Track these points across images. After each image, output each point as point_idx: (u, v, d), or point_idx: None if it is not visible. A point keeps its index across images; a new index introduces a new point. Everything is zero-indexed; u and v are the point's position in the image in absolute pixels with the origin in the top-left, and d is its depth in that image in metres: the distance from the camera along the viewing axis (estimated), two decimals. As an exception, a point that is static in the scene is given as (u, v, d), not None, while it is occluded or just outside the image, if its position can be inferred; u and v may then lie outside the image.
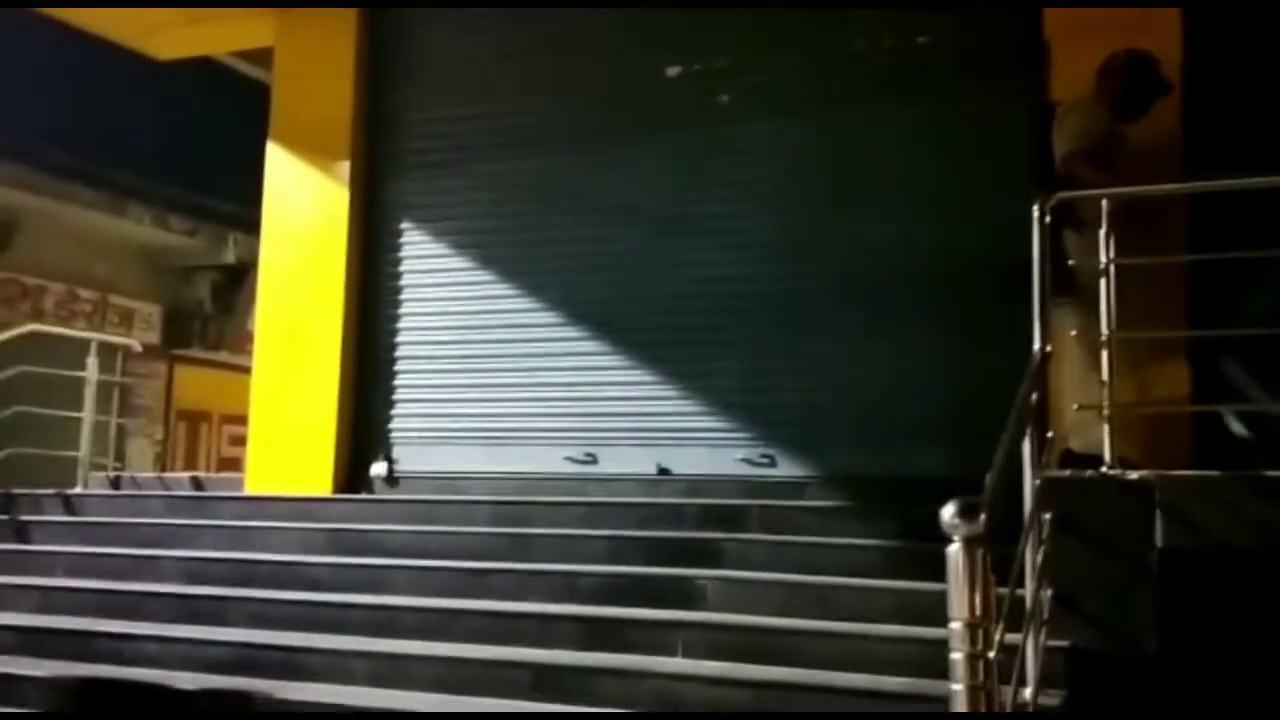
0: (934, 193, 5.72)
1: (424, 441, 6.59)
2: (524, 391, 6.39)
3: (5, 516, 6.48)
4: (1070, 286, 4.45)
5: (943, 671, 3.41)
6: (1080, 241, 4.53)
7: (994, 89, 5.60)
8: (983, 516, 2.59)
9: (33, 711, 4.40)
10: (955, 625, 2.57)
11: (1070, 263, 4.46)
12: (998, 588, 2.70)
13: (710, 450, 5.95)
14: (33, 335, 7.79)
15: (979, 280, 5.53)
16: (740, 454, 5.89)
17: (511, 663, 4.29)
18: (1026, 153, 4.87)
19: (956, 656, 2.56)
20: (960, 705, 2.54)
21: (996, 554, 2.69)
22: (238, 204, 11.08)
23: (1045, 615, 3.58)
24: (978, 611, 2.57)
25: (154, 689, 4.40)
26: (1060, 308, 4.39)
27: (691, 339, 6.08)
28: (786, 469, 5.81)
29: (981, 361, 5.43)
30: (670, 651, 4.29)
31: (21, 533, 6.29)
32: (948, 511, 2.60)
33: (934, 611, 3.96)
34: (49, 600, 5.43)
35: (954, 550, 2.59)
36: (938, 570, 4.02)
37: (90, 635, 4.94)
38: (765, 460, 5.85)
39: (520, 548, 5.26)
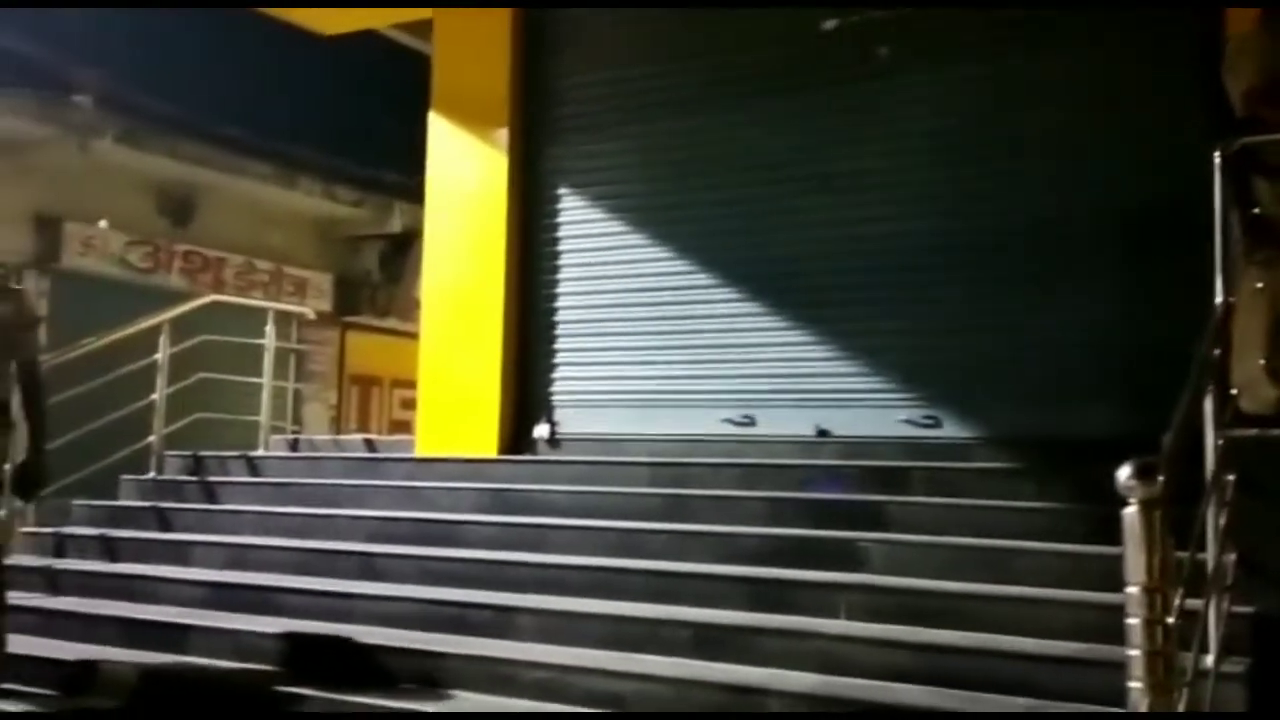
0: (1100, 140, 5.45)
1: (584, 404, 6.68)
2: (681, 354, 6.39)
3: (194, 478, 6.87)
4: (1259, 237, 4.19)
5: (1118, 637, 3.33)
6: (1273, 189, 4.26)
7: (1159, 27, 5.30)
8: (1161, 478, 2.48)
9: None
10: (1132, 590, 2.47)
11: (1255, 211, 4.19)
12: (1177, 552, 2.60)
13: (871, 411, 5.84)
14: (214, 305, 8.19)
15: (1148, 231, 5.27)
16: (902, 415, 5.78)
17: (674, 621, 4.35)
18: (1198, 94, 4.59)
19: (1133, 622, 2.47)
20: (1137, 671, 2.45)
21: (1175, 516, 2.57)
22: (402, 174, 11.40)
23: (1228, 580, 3.42)
24: (1155, 576, 2.46)
25: (335, 641, 4.63)
26: (1243, 259, 4.15)
27: (851, 298, 5.96)
28: (951, 430, 5.67)
29: (1153, 315, 5.18)
30: (833, 613, 4.28)
31: (209, 493, 6.65)
32: (1124, 473, 2.50)
33: (1107, 576, 3.86)
34: (236, 557, 5.75)
35: (1131, 513, 2.49)
36: (1111, 533, 3.90)
37: (274, 590, 5.22)
38: (929, 421, 5.73)
39: (680, 509, 5.31)
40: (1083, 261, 5.45)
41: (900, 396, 5.82)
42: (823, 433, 5.94)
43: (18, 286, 5.06)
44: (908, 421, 5.77)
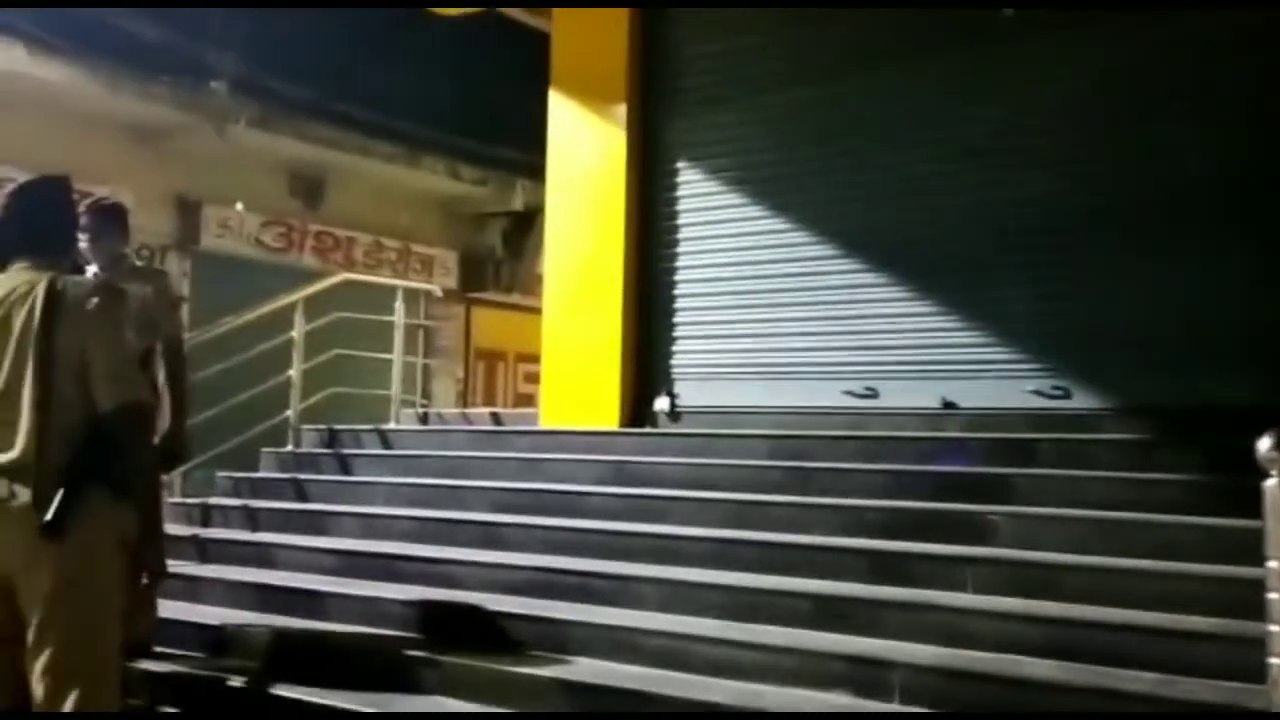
0: (1240, 103, 5.22)
1: (705, 377, 6.69)
2: (802, 325, 6.35)
3: (329, 450, 7.11)
4: None
5: (1252, 611, 3.22)
6: None
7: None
8: (1304, 448, 2.39)
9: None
10: (1273, 564, 2.39)
11: None
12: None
13: (998, 382, 5.72)
14: (345, 283, 8.44)
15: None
16: (1030, 385, 5.64)
17: (794, 593, 4.35)
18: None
19: (1274, 596, 2.39)
20: (1278, 647, 2.37)
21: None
22: (523, 152, 11.55)
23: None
24: (1298, 550, 2.38)
25: (462, 608, 4.76)
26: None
27: (977, 265, 5.82)
28: (1081, 400, 5.52)
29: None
30: (959, 586, 4.23)
31: (344, 464, 6.88)
32: (1264, 443, 2.43)
33: (1243, 549, 3.73)
34: (368, 526, 5.94)
35: (1272, 485, 2.41)
36: (1247, 506, 3.77)
37: (404, 559, 5.38)
38: (1058, 392, 5.58)
39: (800, 481, 5.29)
40: (1220, 225, 5.23)
41: (1028, 367, 5.69)
42: (948, 404, 5.84)
43: (161, 268, 5.30)
44: (1036, 392, 5.64)
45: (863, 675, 3.80)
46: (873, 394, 6.10)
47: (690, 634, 4.19)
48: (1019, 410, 5.59)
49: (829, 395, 6.18)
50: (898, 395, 6.01)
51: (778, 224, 6.50)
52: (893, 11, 6.08)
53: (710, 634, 4.16)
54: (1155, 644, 3.57)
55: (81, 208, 4.67)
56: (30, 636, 2.98)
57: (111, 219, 4.80)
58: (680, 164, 6.86)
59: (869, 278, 6.17)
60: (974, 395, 5.79)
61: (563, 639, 4.39)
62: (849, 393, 6.15)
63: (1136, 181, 5.46)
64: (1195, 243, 5.27)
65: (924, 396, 5.92)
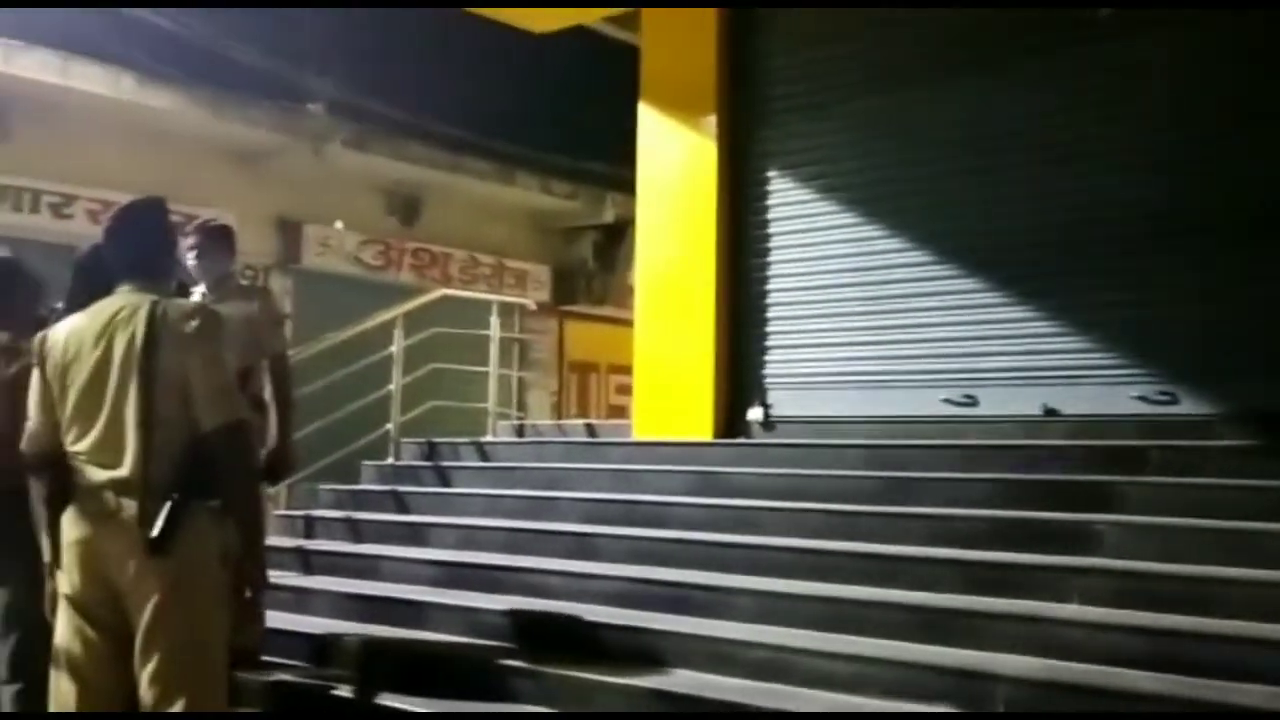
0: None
1: (798, 386, 6.64)
2: (898, 333, 6.25)
3: (428, 462, 7.22)
4: None
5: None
6: None
7: None
8: None
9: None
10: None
11: None
12: None
13: (1102, 388, 5.57)
14: (442, 299, 8.57)
15: None
16: (1136, 391, 5.48)
17: (893, 604, 4.29)
18: None
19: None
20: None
21: None
22: (613, 165, 11.62)
23: None
24: None
25: (559, 618, 4.79)
26: None
27: (1078, 270, 5.67)
28: (1190, 406, 5.34)
29: None
30: (1064, 597, 4.13)
31: (443, 476, 6.98)
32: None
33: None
34: (467, 537, 6.02)
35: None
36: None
37: (501, 569, 5.43)
38: (1165, 397, 5.41)
39: (897, 491, 5.22)
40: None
41: (1133, 372, 5.53)
42: (1050, 411, 5.71)
43: (265, 286, 5.44)
44: (1141, 398, 5.48)
45: (966, 688, 3.73)
46: (972, 401, 5.99)
47: (787, 646, 4.15)
48: (1124, 416, 5.44)
49: (927, 404, 6.08)
50: (997, 403, 5.89)
51: (871, 231, 6.43)
52: (987, 14, 5.97)
53: (808, 646, 4.12)
54: (1268, 656, 3.44)
55: (190, 229, 4.84)
56: (138, 644, 3.09)
57: (218, 239, 4.95)
58: (771, 173, 6.83)
59: (966, 284, 6.06)
60: (1076, 401, 5.66)
61: (659, 650, 4.39)
62: (947, 400, 6.05)
63: (1243, 182, 5.28)
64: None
65: (1024, 404, 5.80)
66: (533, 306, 9.99)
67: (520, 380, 11.11)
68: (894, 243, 6.34)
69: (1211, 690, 3.39)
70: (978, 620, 4.09)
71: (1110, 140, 5.63)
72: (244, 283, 5.81)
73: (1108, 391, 5.58)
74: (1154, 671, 3.58)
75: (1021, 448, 5.37)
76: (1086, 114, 5.71)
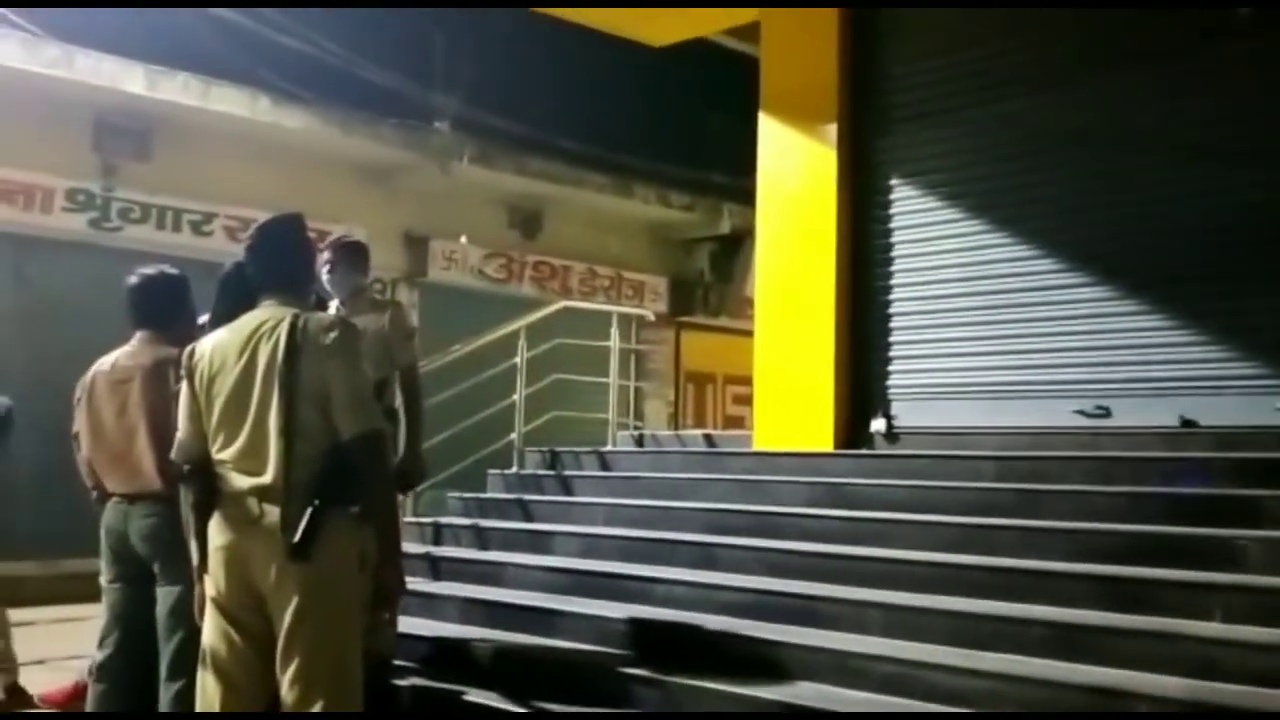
0: None
1: (922, 397, 6.54)
2: (1027, 343, 6.12)
3: (551, 471, 7.31)
4: None
5: None
6: None
7: None
8: None
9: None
10: None
11: None
12: None
13: (1243, 399, 5.36)
14: (563, 310, 8.68)
15: None
16: (1279, 402, 5.28)
17: (1025, 619, 4.20)
18: None
19: None
20: None
21: None
22: (730, 176, 11.64)
23: None
24: None
25: (684, 628, 4.80)
26: None
27: (1219, 275, 5.48)
28: (1338, 416, 5.13)
29: None
30: (1205, 615, 3.99)
31: (565, 485, 7.06)
32: None
33: None
34: (590, 546, 6.08)
35: None
36: None
37: (623, 578, 5.47)
38: (1313, 408, 5.20)
39: (1028, 504, 5.09)
40: None
41: (1276, 382, 5.31)
42: (1188, 423, 5.52)
43: (397, 300, 5.57)
44: (1285, 410, 5.26)
45: (1103, 706, 3.64)
46: (1105, 413, 5.83)
47: (917, 660, 4.10)
48: (1268, 428, 5.22)
49: (1058, 414, 5.93)
50: (1132, 414, 5.71)
51: (996, 239, 6.31)
52: (1114, 15, 5.83)
53: (938, 660, 4.06)
54: None
55: (326, 244, 5.00)
56: (279, 647, 3.21)
57: (353, 254, 5.10)
58: (892, 181, 6.75)
59: (1097, 291, 5.91)
60: (1216, 412, 5.45)
61: (784, 662, 4.37)
62: (1080, 412, 5.89)
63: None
64: None
65: (1161, 414, 5.61)
66: (651, 318, 10.05)
67: (637, 390, 11.16)
68: (1018, 251, 6.22)
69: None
70: (1116, 638, 3.98)
71: (1244, 141, 5.44)
72: (377, 297, 5.97)
73: (1249, 402, 5.38)
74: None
75: (1159, 460, 5.20)
76: (1220, 115, 5.53)
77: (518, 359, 7.65)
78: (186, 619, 3.65)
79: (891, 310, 6.73)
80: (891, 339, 6.73)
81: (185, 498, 3.43)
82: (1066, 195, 6.04)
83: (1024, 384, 6.12)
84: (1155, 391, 5.68)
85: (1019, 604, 4.35)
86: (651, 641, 4.79)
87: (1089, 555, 4.57)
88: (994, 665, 3.97)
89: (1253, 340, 5.41)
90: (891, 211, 6.76)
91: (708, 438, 7.68)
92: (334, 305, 4.92)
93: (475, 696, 4.69)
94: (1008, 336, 6.21)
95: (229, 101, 9.95)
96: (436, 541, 6.77)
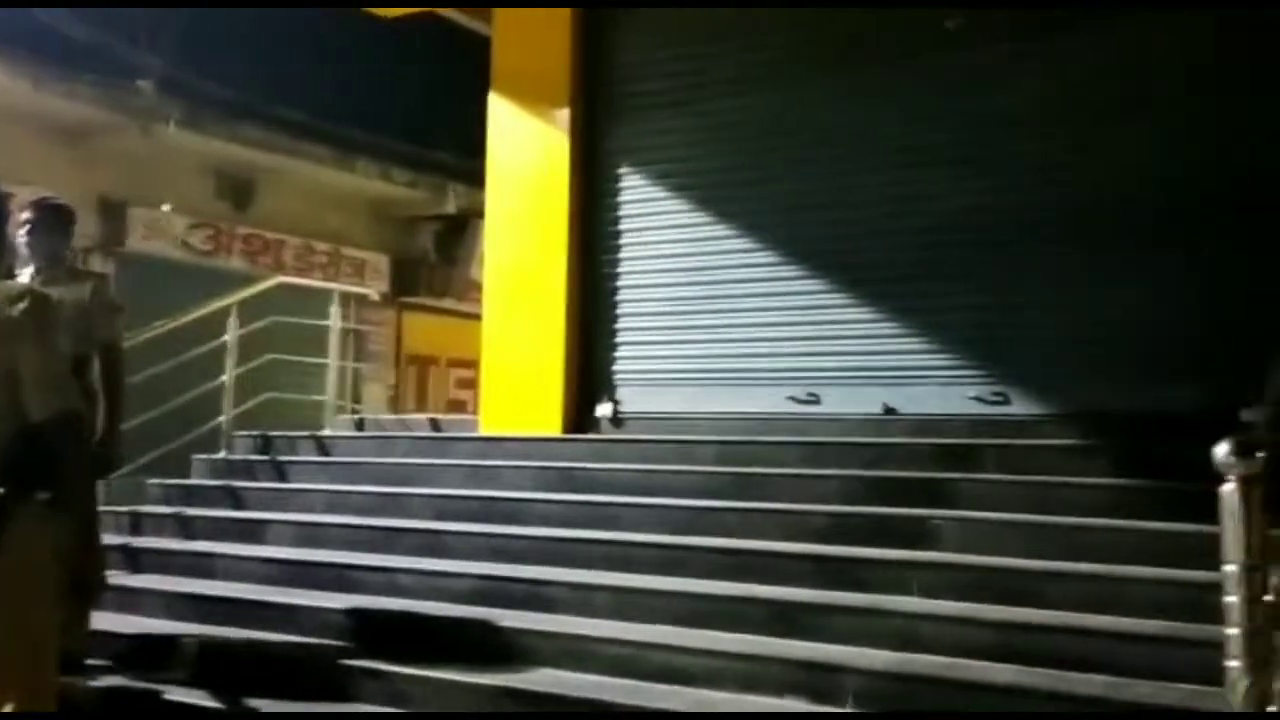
0: (1177, 116, 5.35)
1: (648, 383, 6.67)
2: (746, 331, 6.36)
3: (264, 457, 6.97)
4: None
5: (1199, 614, 3.29)
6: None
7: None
8: (1261, 454, 2.44)
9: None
10: (1231, 567, 2.44)
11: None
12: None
13: (939, 388, 5.79)
14: (280, 287, 8.29)
15: (1228, 205, 5.19)
16: (971, 392, 5.72)
17: (747, 598, 4.35)
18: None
19: (1231, 600, 2.44)
20: (1236, 650, 2.42)
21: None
22: (457, 155, 11.46)
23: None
24: (1255, 553, 2.43)
25: (408, 617, 4.68)
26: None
27: (919, 274, 5.89)
28: (1021, 406, 5.60)
29: (1229, 291, 5.13)
30: (907, 590, 4.26)
31: (280, 472, 6.74)
32: (1222, 449, 2.47)
33: (1183, 552, 3.83)
34: (307, 535, 5.83)
35: (1229, 489, 2.46)
36: (1185, 509, 3.86)
37: (345, 567, 5.28)
38: (998, 398, 5.67)
39: (747, 487, 5.30)
40: (1160, 236, 5.35)
41: (969, 373, 5.77)
42: (890, 410, 5.90)
43: (98, 270, 5.14)
44: (976, 399, 5.71)
45: (816, 681, 3.81)
46: (816, 400, 6.14)
47: (642, 641, 4.17)
48: (960, 416, 5.66)
49: (773, 401, 6.20)
50: (841, 401, 6.05)
51: (721, 230, 6.52)
52: (838, 21, 6.13)
53: (663, 641, 4.14)
54: (1105, 646, 3.63)
55: (26, 204, 4.53)
56: (-33, 644, 2.89)
57: (55, 217, 4.66)
58: (624, 169, 6.84)
59: (812, 284, 6.21)
60: (915, 401, 5.86)
61: (512, 647, 4.34)
62: (792, 398, 6.18)
63: (1075, 193, 5.57)
64: (1136, 251, 5.38)
65: (866, 402, 5.97)
66: (375, 296, 9.78)
67: (357, 372, 10.84)
68: (742, 243, 6.45)
69: (1053, 680, 3.55)
70: (827, 614, 4.18)
71: (953, 147, 5.84)
72: (78, 266, 5.49)
73: (945, 391, 5.80)
74: (996, 662, 3.73)
75: (864, 445, 5.53)
76: (934, 121, 5.91)
77: (228, 337, 7.24)
78: None
79: (620, 296, 6.83)
80: (619, 325, 6.83)
81: None
82: (785, 192, 6.31)
83: (743, 371, 6.36)
84: (862, 380, 6.03)
85: (740, 584, 4.50)
86: (375, 632, 4.64)
87: (803, 535, 4.79)
88: (717, 644, 4.09)
89: (950, 334, 5.84)
90: (622, 199, 6.85)
91: (433, 422, 7.54)
92: (26, 273, 4.46)
93: (178, 695, 4.39)
94: (729, 325, 6.43)
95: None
96: (135, 531, 6.32)
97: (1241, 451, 2.45)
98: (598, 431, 6.69)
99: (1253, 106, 5.17)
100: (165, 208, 11.30)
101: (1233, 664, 2.44)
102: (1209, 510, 2.59)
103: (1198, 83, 5.33)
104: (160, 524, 6.34)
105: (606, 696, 3.87)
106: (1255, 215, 5.09)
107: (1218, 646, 2.54)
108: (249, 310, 7.55)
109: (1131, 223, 5.41)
